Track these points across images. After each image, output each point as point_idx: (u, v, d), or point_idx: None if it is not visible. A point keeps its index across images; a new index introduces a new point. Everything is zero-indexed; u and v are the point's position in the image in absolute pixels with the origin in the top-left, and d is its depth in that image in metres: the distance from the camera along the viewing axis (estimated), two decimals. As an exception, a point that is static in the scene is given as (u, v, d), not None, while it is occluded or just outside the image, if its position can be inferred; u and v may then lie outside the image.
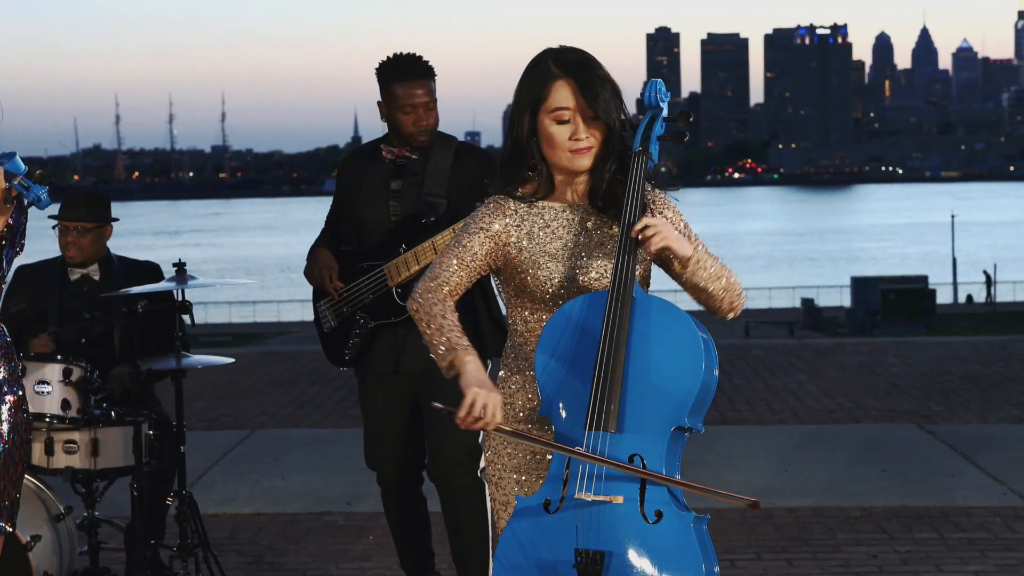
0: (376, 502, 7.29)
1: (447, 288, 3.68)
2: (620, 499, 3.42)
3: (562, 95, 3.60)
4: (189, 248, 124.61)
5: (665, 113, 3.64)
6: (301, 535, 6.97)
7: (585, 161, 3.62)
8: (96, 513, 5.56)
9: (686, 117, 3.66)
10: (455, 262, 3.68)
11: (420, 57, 5.28)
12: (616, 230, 3.61)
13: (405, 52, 5.30)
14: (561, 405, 3.53)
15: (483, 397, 3.49)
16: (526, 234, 3.66)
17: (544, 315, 3.65)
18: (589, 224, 3.66)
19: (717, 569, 3.45)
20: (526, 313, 3.70)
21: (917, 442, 8.83)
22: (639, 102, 3.72)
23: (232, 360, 5.85)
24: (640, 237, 3.46)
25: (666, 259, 3.60)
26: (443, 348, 3.59)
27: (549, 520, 3.49)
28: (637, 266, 3.54)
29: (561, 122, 3.60)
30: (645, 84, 3.65)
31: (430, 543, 5.66)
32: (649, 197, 3.64)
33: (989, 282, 64.88)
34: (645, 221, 3.46)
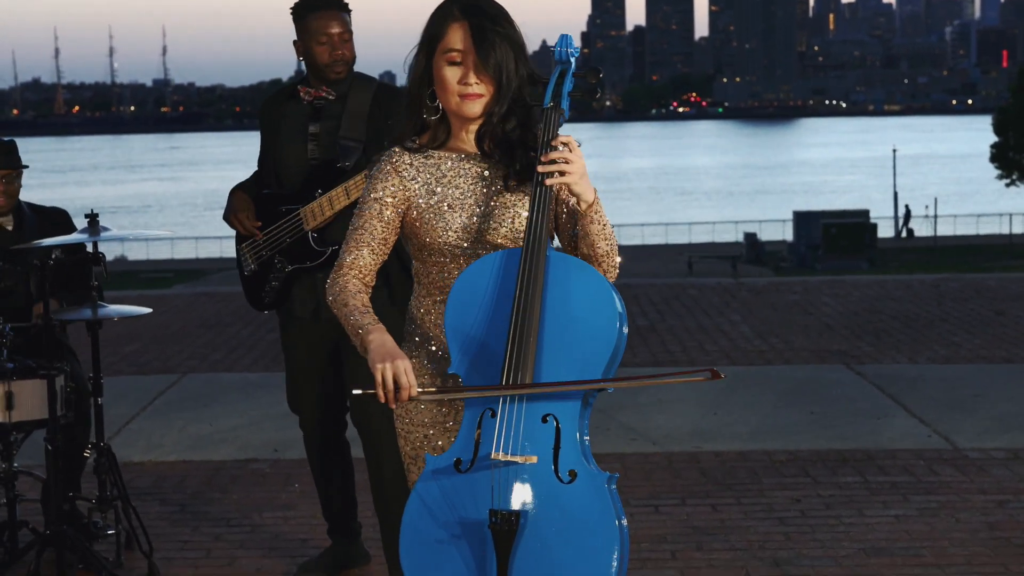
0: (303, 450, 7.26)
1: (352, 272, 3.65)
2: (534, 459, 3.39)
3: (456, 37, 3.55)
4: (152, 183, 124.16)
5: (574, 68, 3.58)
6: (226, 483, 6.93)
7: (475, 107, 3.56)
8: (15, 466, 5.49)
9: (596, 73, 3.61)
10: (354, 246, 3.65)
11: None
12: (513, 182, 3.57)
13: None
14: (472, 363, 3.48)
15: (390, 369, 3.42)
16: (423, 186, 3.61)
17: (448, 268, 3.61)
18: (487, 173, 3.61)
19: (625, 522, 3.43)
20: (430, 268, 3.66)
21: (846, 383, 8.88)
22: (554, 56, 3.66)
23: (149, 311, 5.78)
24: (548, 171, 3.39)
25: (565, 203, 3.55)
26: (352, 333, 3.57)
27: (460, 480, 3.45)
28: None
29: (453, 63, 3.55)
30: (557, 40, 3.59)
31: (353, 492, 5.63)
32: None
33: (908, 216, 65.50)
34: (561, 154, 3.38)
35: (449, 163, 3.63)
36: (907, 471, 6.87)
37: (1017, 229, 60.34)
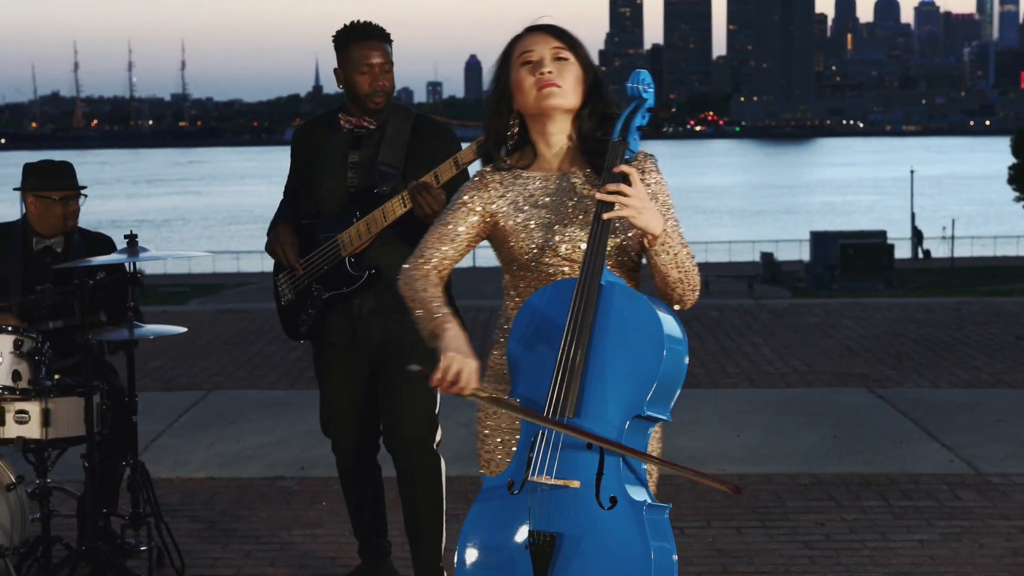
0: (329, 468, 7.34)
1: (428, 264, 3.75)
2: (577, 484, 3.43)
3: (530, 40, 3.68)
4: (175, 197, 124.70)
5: (651, 103, 3.60)
6: (254, 500, 7.00)
7: (554, 99, 3.63)
8: (49, 481, 5.57)
9: (668, 108, 3.64)
10: (436, 240, 3.76)
11: (376, 24, 5.31)
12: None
13: (361, 20, 5.34)
14: (528, 390, 3.54)
15: (458, 362, 3.51)
16: (510, 204, 3.71)
17: (533, 283, 3.69)
18: (571, 193, 3.67)
19: (675, 558, 3.41)
20: (518, 281, 3.74)
21: (868, 407, 8.92)
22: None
23: (184, 330, 5.85)
24: (606, 200, 3.44)
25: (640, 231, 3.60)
26: (424, 319, 3.66)
27: (511, 501, 3.51)
28: (612, 240, 3.57)
29: (527, 63, 3.65)
30: (629, 75, 3.63)
31: (384, 511, 5.69)
32: (638, 167, 3.62)
33: (920, 238, 65.38)
34: (617, 187, 3.43)
35: (536, 183, 3.72)
36: (930, 496, 6.91)
37: (1035, 251, 60.24)
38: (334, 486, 7.07)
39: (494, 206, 3.72)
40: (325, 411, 5.56)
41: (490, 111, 3.77)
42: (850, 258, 51.17)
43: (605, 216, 3.45)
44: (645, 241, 3.52)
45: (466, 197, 3.76)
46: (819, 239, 53.96)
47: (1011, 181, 66.95)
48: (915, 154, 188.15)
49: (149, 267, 56.28)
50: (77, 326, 5.66)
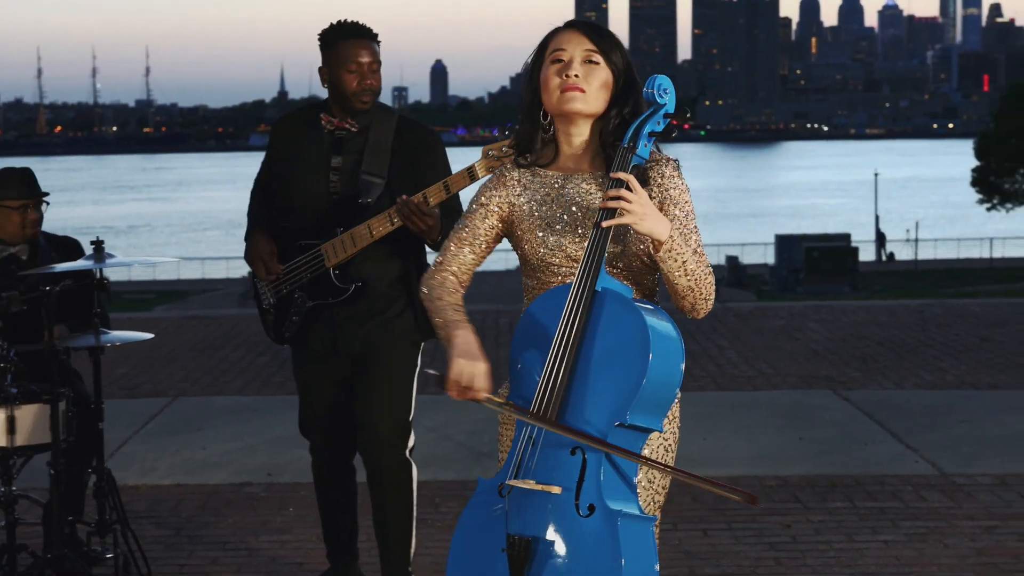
0: (296, 473, 7.35)
1: (449, 270, 3.78)
2: (558, 490, 3.42)
3: (563, 38, 3.64)
4: (142, 203, 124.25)
5: (669, 109, 3.55)
6: (221, 507, 6.98)
7: (576, 103, 3.60)
8: (14, 489, 5.54)
9: (683, 114, 3.61)
10: (456, 244, 3.78)
11: (364, 23, 5.27)
12: None
13: (348, 20, 5.29)
14: (523, 393, 3.54)
15: (467, 368, 3.52)
16: (528, 202, 3.70)
17: (548, 284, 3.68)
18: (587, 195, 3.65)
19: (657, 567, 3.38)
20: (531, 281, 3.74)
21: (833, 409, 8.96)
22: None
23: (150, 336, 5.83)
24: (611, 205, 3.41)
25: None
26: (440, 327, 3.69)
27: (500, 504, 3.50)
28: (614, 247, 3.55)
29: (556, 61, 3.62)
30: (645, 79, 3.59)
31: (355, 516, 5.68)
32: (654, 172, 3.60)
33: (882, 241, 65.67)
34: (618, 192, 3.40)
35: (554, 181, 3.70)
36: (895, 497, 6.95)
37: (997, 253, 60.61)
38: (301, 492, 7.06)
39: (512, 204, 3.73)
40: (305, 412, 5.54)
41: (522, 115, 3.75)
42: (815, 261, 51.36)
43: (604, 224, 3.43)
44: (651, 247, 3.49)
45: (484, 198, 3.77)
46: (784, 242, 54.14)
47: (974, 184, 67.30)
48: (879, 157, 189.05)
49: (114, 273, 56.06)
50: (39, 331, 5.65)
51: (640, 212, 3.40)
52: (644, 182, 3.54)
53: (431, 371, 3.60)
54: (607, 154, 3.64)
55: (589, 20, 3.73)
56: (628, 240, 3.60)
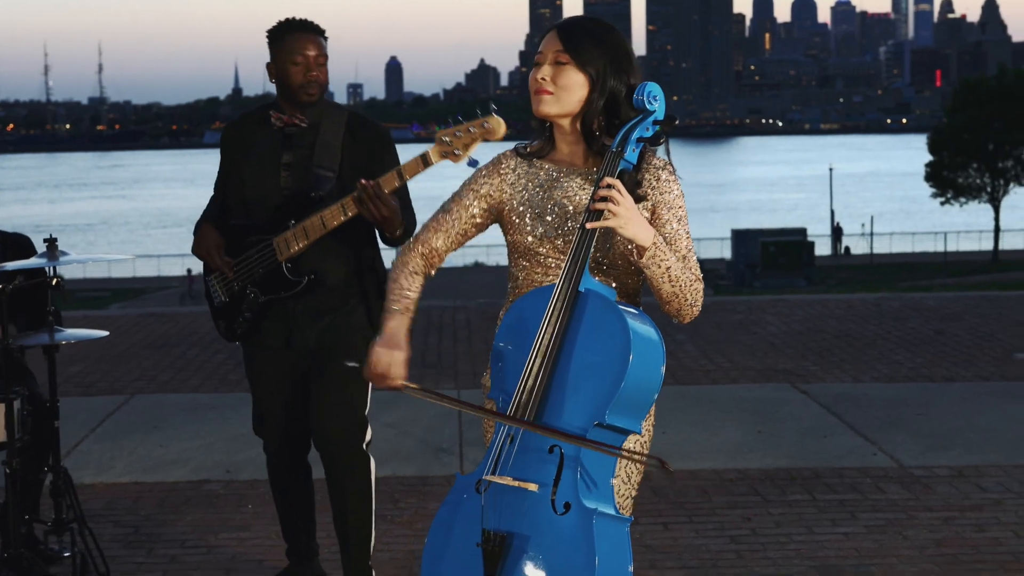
0: (255, 471, 7.31)
1: (419, 251, 3.80)
2: (534, 487, 3.41)
3: (544, 40, 3.67)
4: (98, 201, 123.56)
5: (658, 116, 3.57)
6: (180, 505, 6.94)
7: (545, 106, 3.64)
8: (-31, 489, 5.48)
9: (671, 121, 3.62)
10: (435, 226, 3.80)
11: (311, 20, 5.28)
12: None
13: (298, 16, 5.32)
14: (504, 391, 3.54)
15: (384, 356, 3.60)
16: (520, 191, 3.72)
17: (531, 273, 3.70)
18: (579, 191, 3.66)
19: (630, 569, 3.39)
20: (517, 271, 3.75)
21: (791, 402, 8.99)
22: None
23: (106, 334, 5.78)
24: (598, 207, 3.42)
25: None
26: (384, 310, 3.75)
27: (477, 500, 3.50)
28: (597, 247, 3.54)
29: (536, 65, 3.66)
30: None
31: (313, 512, 5.66)
32: (649, 176, 3.62)
33: (839, 234, 66.04)
34: (605, 194, 3.41)
35: (546, 173, 3.71)
36: (854, 489, 6.97)
37: (952, 247, 61.06)
38: (260, 489, 7.02)
39: (503, 192, 3.74)
40: (257, 411, 5.50)
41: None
42: (771, 255, 51.63)
43: (589, 225, 3.45)
44: (635, 253, 3.51)
45: (476, 184, 3.79)
46: (740, 237, 54.39)
47: (928, 178, 67.74)
48: (835, 152, 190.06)
49: (69, 271, 55.70)
50: None
51: (625, 216, 3.42)
52: (636, 187, 3.57)
53: (350, 362, 3.64)
54: (597, 151, 3.67)
55: (575, 19, 3.72)
56: (613, 241, 3.61)
